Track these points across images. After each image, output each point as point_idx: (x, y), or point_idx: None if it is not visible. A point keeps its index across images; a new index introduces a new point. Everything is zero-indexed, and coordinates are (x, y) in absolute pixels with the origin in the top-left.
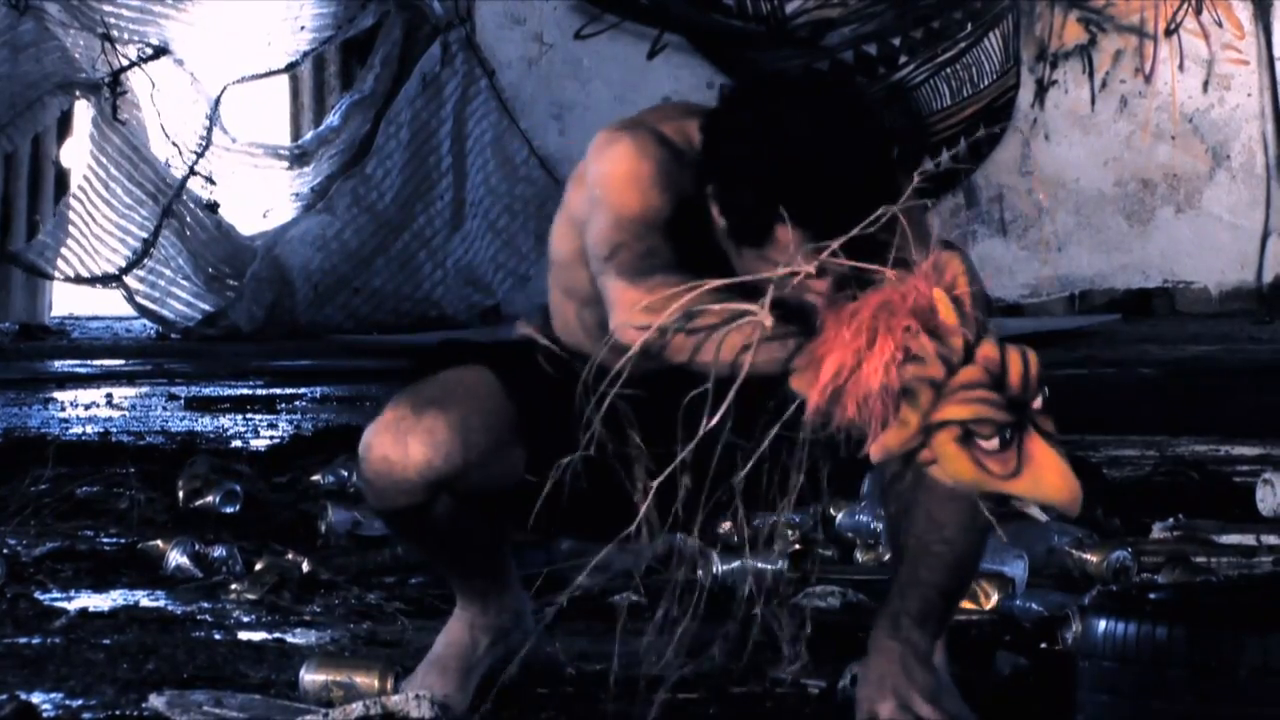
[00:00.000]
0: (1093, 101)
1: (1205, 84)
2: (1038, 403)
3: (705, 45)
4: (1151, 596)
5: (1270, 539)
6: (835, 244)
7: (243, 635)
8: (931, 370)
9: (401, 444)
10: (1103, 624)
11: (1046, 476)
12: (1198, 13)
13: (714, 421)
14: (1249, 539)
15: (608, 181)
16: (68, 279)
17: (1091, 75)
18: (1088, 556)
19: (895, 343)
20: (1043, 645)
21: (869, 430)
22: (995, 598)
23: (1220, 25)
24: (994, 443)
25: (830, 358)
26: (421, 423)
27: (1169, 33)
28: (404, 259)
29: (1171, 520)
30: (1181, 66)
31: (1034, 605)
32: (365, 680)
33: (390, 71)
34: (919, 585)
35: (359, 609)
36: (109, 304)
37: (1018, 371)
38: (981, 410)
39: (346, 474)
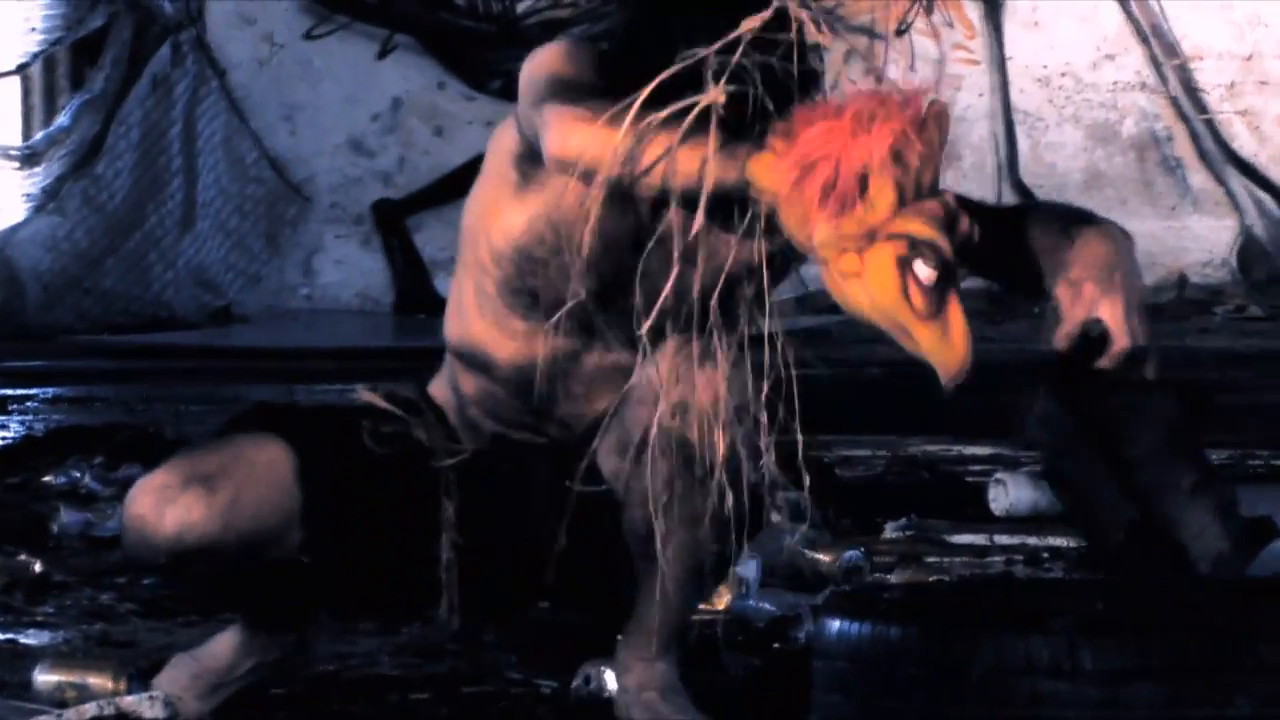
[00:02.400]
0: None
1: (937, 84)
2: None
3: (435, 45)
4: (884, 596)
5: (1002, 539)
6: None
7: None
8: (906, 180)
9: (159, 511)
10: (835, 624)
11: (953, 333)
12: (928, 13)
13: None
14: (981, 539)
15: (541, 60)
16: None
17: (823, 75)
18: (820, 556)
19: (892, 135)
20: (776, 645)
21: (817, 215)
22: (727, 598)
23: (951, 25)
24: (930, 275)
25: (808, 141)
26: (183, 498)
27: (899, 33)
28: (135, 259)
29: (904, 520)
30: (913, 67)
31: (767, 605)
32: (98, 681)
33: (120, 72)
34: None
35: (92, 610)
36: None
37: (965, 226)
38: (937, 237)
39: (78, 474)
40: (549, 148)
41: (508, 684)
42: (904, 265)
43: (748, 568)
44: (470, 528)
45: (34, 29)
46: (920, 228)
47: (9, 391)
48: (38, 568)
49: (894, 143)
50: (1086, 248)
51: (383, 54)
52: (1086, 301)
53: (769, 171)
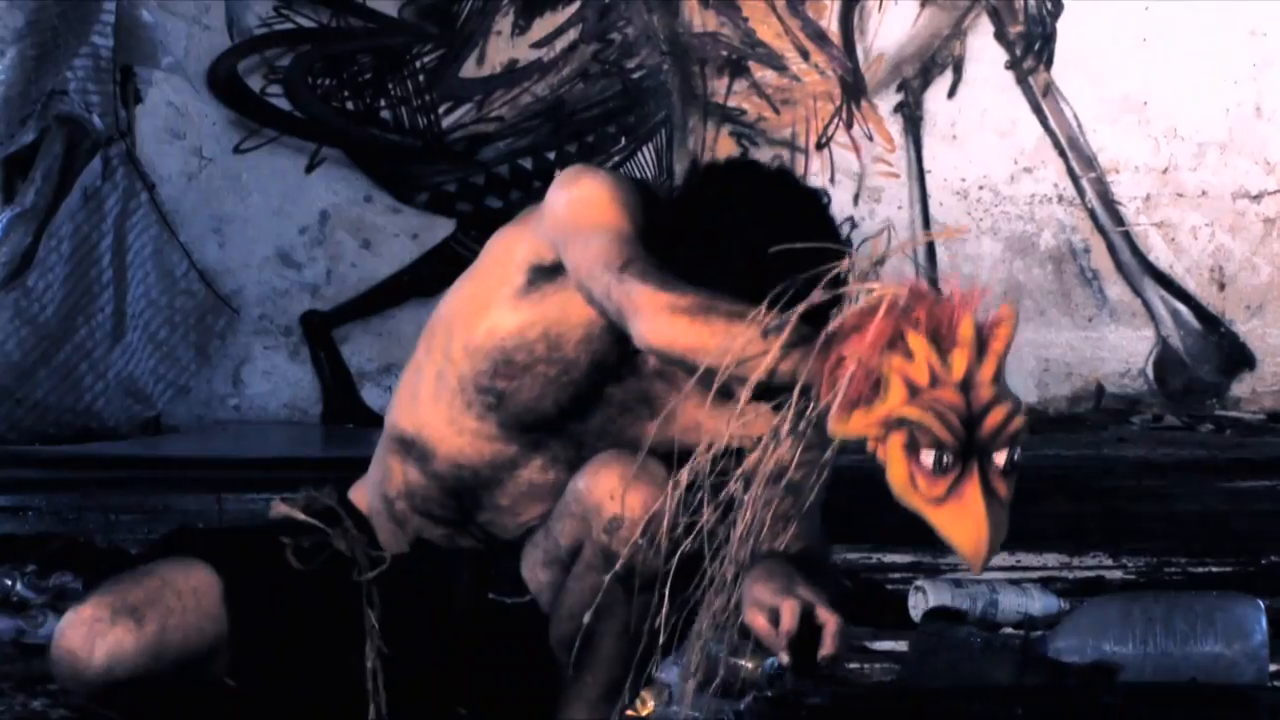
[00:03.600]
0: None
1: (856, 197)
2: (1000, 459)
3: (363, 159)
4: (806, 703)
5: None
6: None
7: None
8: (914, 372)
9: (89, 645)
10: None
11: (964, 521)
12: (849, 126)
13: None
14: (902, 646)
15: (591, 200)
16: None
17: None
18: (743, 662)
19: (893, 327)
20: None
21: (841, 404)
22: (652, 704)
23: (871, 139)
24: (927, 459)
25: (846, 339)
26: (113, 631)
27: (820, 146)
28: (66, 370)
29: None
30: (833, 179)
31: (691, 713)
32: None
33: (51, 186)
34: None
35: (24, 716)
36: None
37: (995, 420)
38: (933, 422)
39: (10, 582)
40: (643, 334)
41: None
42: (912, 449)
43: (672, 674)
44: (394, 634)
45: None
46: (915, 411)
47: None
48: None
49: (884, 337)
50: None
51: (310, 167)
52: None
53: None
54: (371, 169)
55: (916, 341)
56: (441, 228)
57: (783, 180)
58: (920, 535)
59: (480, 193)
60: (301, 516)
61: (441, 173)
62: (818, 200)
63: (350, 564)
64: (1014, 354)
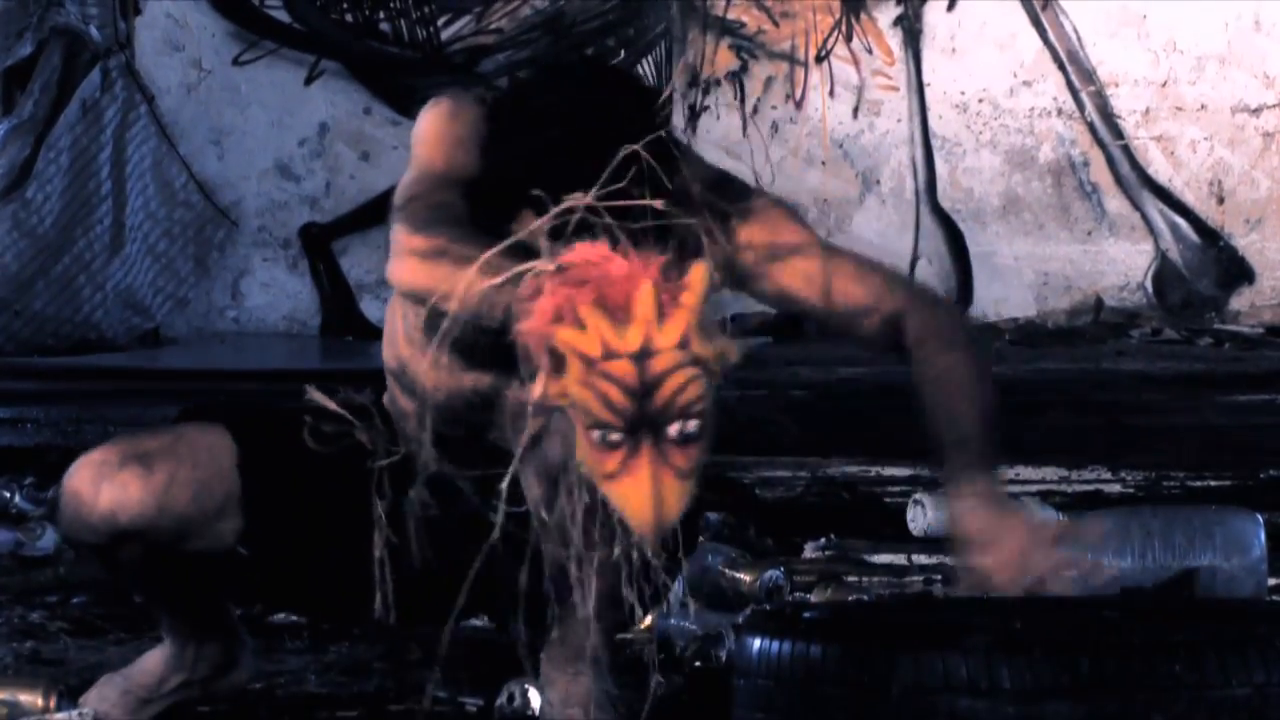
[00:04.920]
0: (744, 128)
1: (855, 110)
2: (674, 430)
3: (362, 71)
4: (805, 615)
5: (921, 558)
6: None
7: None
8: (586, 345)
9: (95, 487)
10: (757, 643)
11: (633, 497)
12: (848, 39)
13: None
14: (900, 558)
15: (419, 138)
16: None
17: (743, 101)
18: (741, 576)
19: (563, 301)
20: (697, 664)
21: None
22: (650, 617)
23: (870, 52)
24: (594, 436)
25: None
26: (120, 474)
27: (819, 59)
28: (64, 282)
29: (823, 540)
30: (832, 93)
31: (688, 624)
32: (29, 698)
33: (50, 97)
34: (962, 441)
35: (22, 628)
36: None
37: (667, 391)
38: (590, 400)
39: (9, 494)
40: (389, 274)
41: (433, 702)
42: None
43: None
44: (400, 532)
45: None
46: (578, 391)
47: None
48: None
49: (554, 309)
50: (1007, 540)
51: (309, 80)
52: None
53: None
54: (371, 81)
55: (587, 313)
56: None
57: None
58: (918, 449)
59: None
60: (332, 405)
61: (441, 85)
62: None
63: (365, 457)
64: (1013, 266)
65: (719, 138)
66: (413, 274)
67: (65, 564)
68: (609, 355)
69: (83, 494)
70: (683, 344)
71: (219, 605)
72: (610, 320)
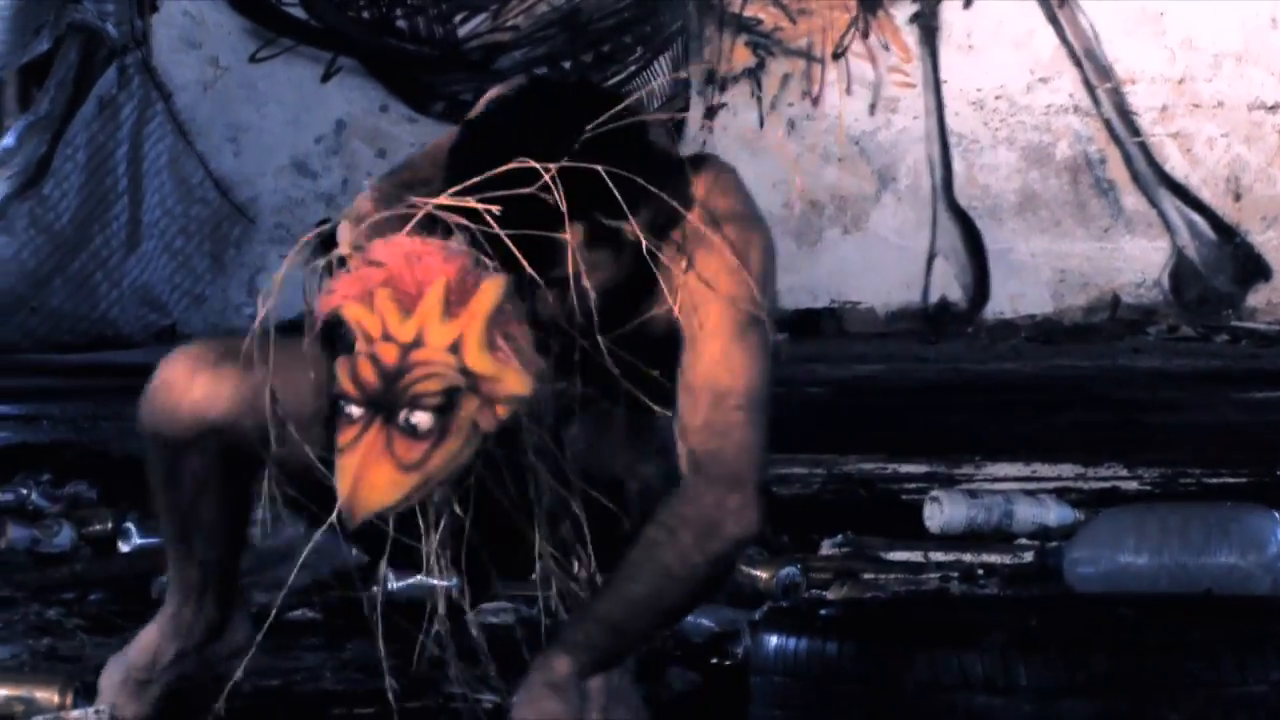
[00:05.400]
0: (761, 124)
1: (872, 107)
2: (402, 417)
3: (379, 69)
4: (821, 612)
5: (937, 555)
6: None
7: None
8: (368, 324)
9: (188, 378)
10: (773, 639)
11: (344, 474)
12: (865, 36)
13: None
14: (917, 555)
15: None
16: None
17: (760, 98)
18: (758, 572)
19: (367, 283)
20: (714, 661)
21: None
22: None
23: (887, 49)
24: (339, 406)
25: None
26: (217, 369)
27: (836, 56)
28: (81, 279)
29: (840, 537)
30: (849, 90)
31: (705, 621)
32: (45, 695)
33: (66, 94)
34: (584, 616)
35: (39, 625)
36: None
37: (408, 379)
38: (343, 374)
39: (25, 491)
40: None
41: (448, 699)
42: None
43: None
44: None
45: None
46: (342, 370)
47: None
48: None
49: (357, 287)
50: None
51: (326, 77)
52: None
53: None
54: (387, 78)
55: (380, 296)
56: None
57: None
58: (935, 446)
59: None
60: None
61: (457, 82)
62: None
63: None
64: (1030, 263)
65: (736, 134)
66: (342, 231)
67: (82, 561)
68: (386, 339)
69: (176, 384)
70: (453, 348)
71: (233, 567)
72: (398, 308)
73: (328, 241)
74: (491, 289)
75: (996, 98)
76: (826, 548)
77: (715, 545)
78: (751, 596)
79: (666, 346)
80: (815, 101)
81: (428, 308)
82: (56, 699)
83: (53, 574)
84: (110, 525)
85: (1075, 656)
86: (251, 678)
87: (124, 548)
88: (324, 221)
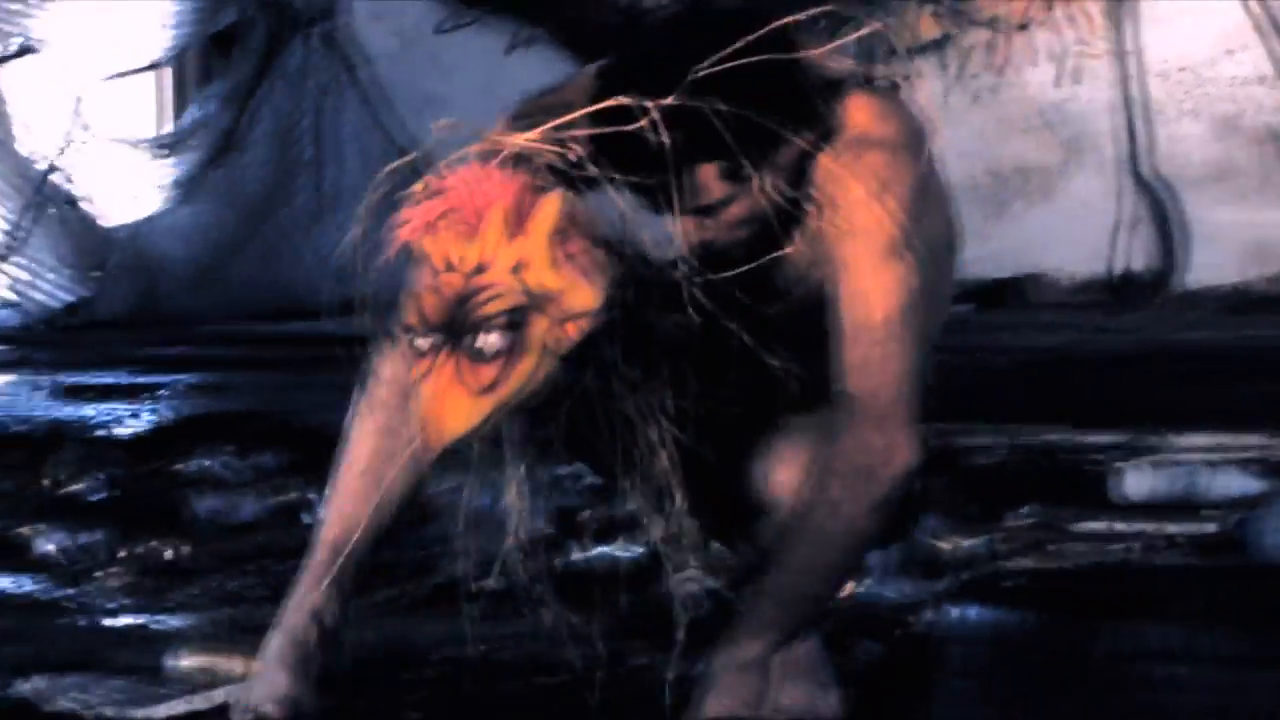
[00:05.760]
0: (946, 95)
1: (1058, 78)
2: (469, 341)
3: (566, 39)
4: (1007, 584)
5: (1122, 526)
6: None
7: (111, 621)
8: (435, 255)
9: None
10: (959, 611)
11: (425, 407)
12: (1051, 8)
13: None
14: (1102, 526)
15: None
16: None
17: (946, 70)
18: (944, 544)
19: (431, 214)
20: (900, 631)
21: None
22: (852, 585)
23: (1074, 20)
24: (405, 339)
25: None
26: None
27: (1023, 27)
28: (267, 249)
29: (1026, 508)
30: (1034, 61)
31: (892, 592)
32: (229, 666)
33: (253, 65)
34: (760, 593)
35: (223, 595)
36: None
37: (473, 304)
38: (409, 304)
39: (211, 462)
40: None
41: (639, 668)
42: None
43: (872, 555)
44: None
45: (170, 24)
46: (408, 299)
47: (143, 380)
48: (172, 553)
49: (425, 219)
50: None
51: (512, 48)
52: None
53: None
54: (574, 48)
55: (443, 226)
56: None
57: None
58: (1121, 416)
59: None
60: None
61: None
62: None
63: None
64: (1217, 234)
65: (922, 106)
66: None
67: (267, 531)
68: (449, 268)
69: None
70: (516, 269)
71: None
72: (459, 236)
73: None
74: (550, 206)
75: (1181, 69)
76: (1012, 519)
77: (871, 491)
78: (938, 568)
79: (800, 287)
80: (1001, 73)
81: (488, 231)
82: (241, 669)
83: (239, 544)
84: (296, 495)
85: (1262, 628)
86: (443, 646)
87: (309, 518)
88: (403, 152)
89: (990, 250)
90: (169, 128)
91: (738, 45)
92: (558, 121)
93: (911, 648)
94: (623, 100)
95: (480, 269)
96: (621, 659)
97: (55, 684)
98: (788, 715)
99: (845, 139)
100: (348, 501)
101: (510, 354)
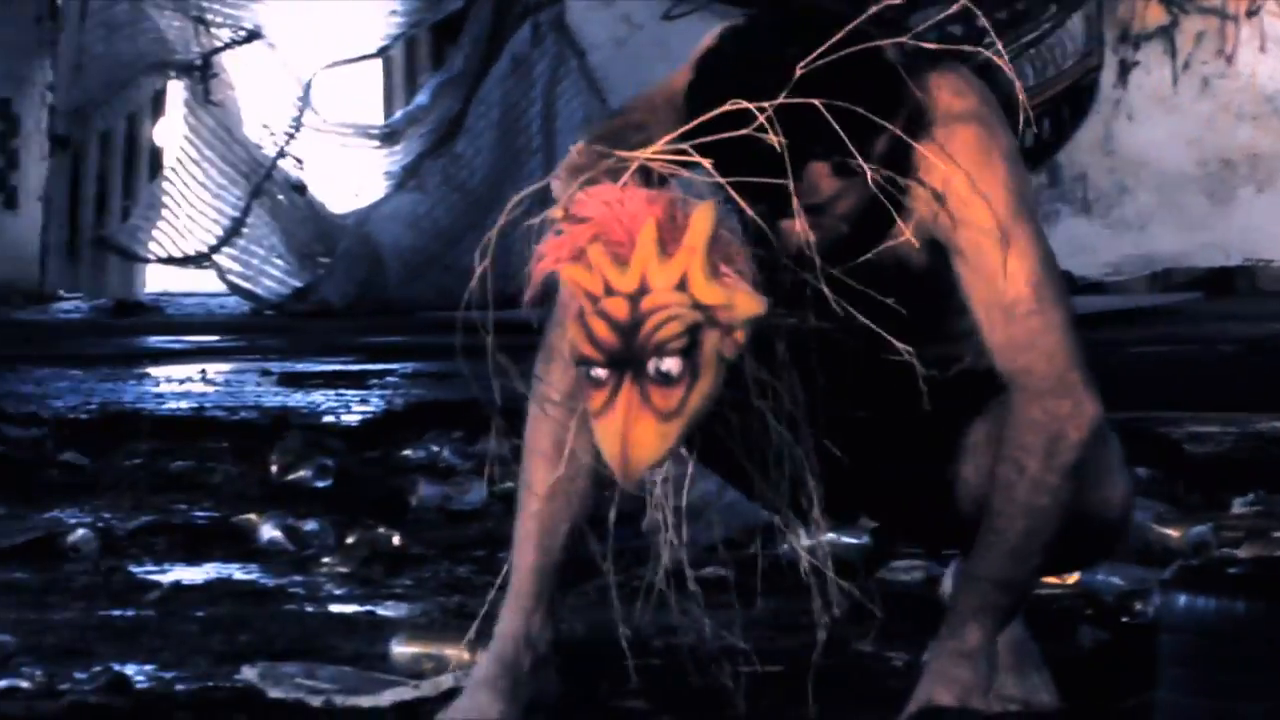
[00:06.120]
0: (1175, 82)
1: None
2: (652, 367)
3: None
4: (1231, 571)
5: None
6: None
7: (334, 608)
8: (589, 283)
9: None
10: (1183, 598)
11: (606, 434)
12: None
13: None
14: None
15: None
16: (160, 260)
17: (1174, 56)
18: (1168, 531)
19: (577, 241)
20: (1124, 619)
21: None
22: (1077, 573)
23: None
24: (580, 372)
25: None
26: None
27: (1250, 14)
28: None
29: (1251, 496)
30: (1263, 48)
31: (1115, 579)
32: (455, 653)
33: (480, 52)
34: (974, 580)
35: (449, 582)
36: (203, 281)
37: (648, 328)
38: (577, 336)
39: (437, 449)
40: None
41: (859, 657)
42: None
43: None
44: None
45: (395, 11)
46: (572, 327)
47: (370, 366)
48: (396, 540)
49: (568, 248)
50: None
51: (677, 15)
52: None
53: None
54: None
55: (594, 251)
56: None
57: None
58: None
59: None
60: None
61: (871, 39)
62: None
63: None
64: None
65: (1149, 92)
66: (556, 187)
67: (493, 518)
68: (609, 294)
69: None
70: (681, 285)
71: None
72: (613, 259)
73: (545, 199)
74: (703, 218)
75: None
76: (1238, 506)
77: (1064, 458)
78: (1162, 555)
79: (910, 274)
80: (1229, 60)
81: (643, 252)
82: (466, 657)
83: (464, 531)
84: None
85: None
86: (663, 635)
87: None
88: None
89: (1217, 238)
90: (398, 114)
91: (835, 39)
92: (676, 133)
93: (1136, 635)
94: (741, 103)
95: (643, 291)
96: (842, 647)
97: (278, 671)
98: (1008, 704)
99: (935, 119)
100: (537, 526)
101: (693, 373)
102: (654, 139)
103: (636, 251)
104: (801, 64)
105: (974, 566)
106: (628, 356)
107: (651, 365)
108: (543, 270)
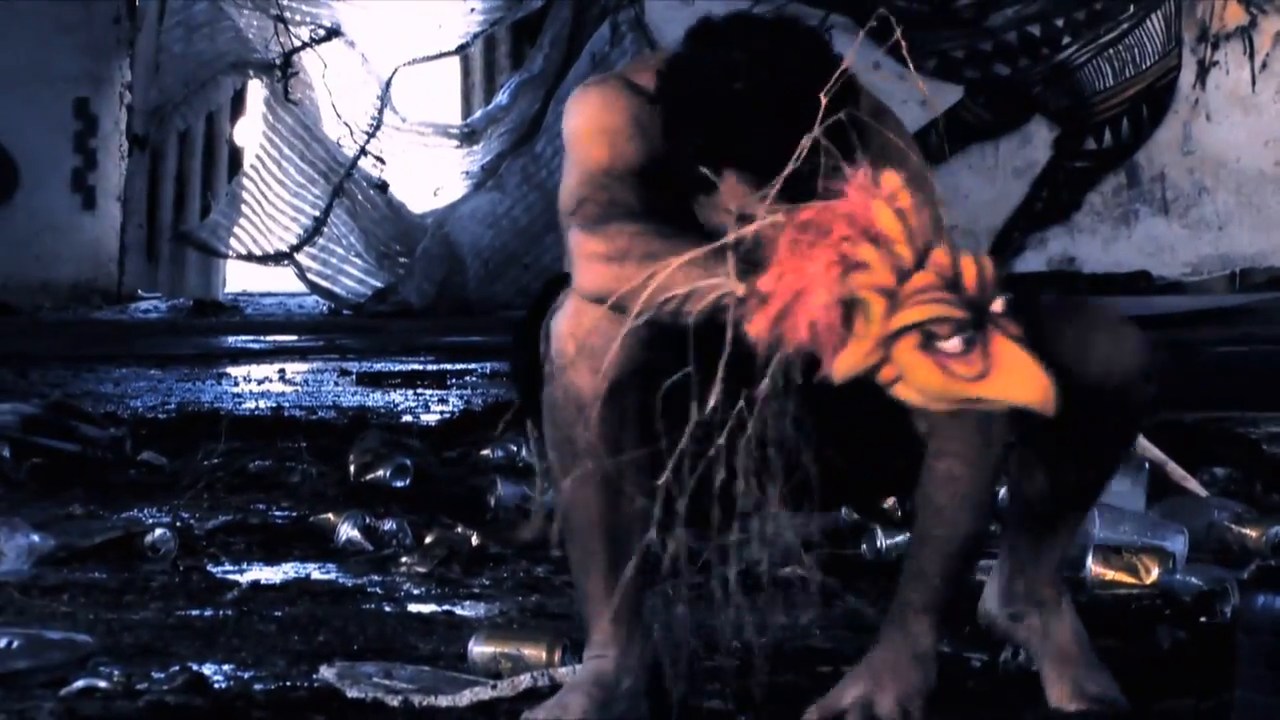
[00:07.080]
0: (1253, 83)
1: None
2: (998, 305)
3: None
4: None
5: None
6: (777, 181)
7: (412, 608)
8: (879, 277)
9: None
10: (1262, 598)
11: (1016, 376)
12: None
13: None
14: None
15: (574, 136)
16: (239, 257)
17: (1252, 57)
18: (1247, 531)
19: (833, 254)
20: (1202, 619)
21: (824, 353)
22: (1156, 572)
23: None
24: (955, 343)
25: (773, 285)
26: None
27: None
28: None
29: None
30: None
31: (1194, 580)
32: (533, 652)
33: (559, 51)
34: (920, 576)
35: (527, 582)
36: (282, 280)
37: (972, 274)
38: (938, 309)
39: (516, 448)
40: (577, 284)
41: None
42: (929, 346)
43: (1175, 542)
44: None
45: (474, 10)
46: (916, 313)
47: (449, 366)
48: (475, 540)
49: (841, 254)
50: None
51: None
52: None
53: (754, 328)
54: (879, 35)
55: (864, 250)
56: (950, 94)
57: (780, 28)
58: None
59: (988, 60)
60: None
61: (949, 39)
62: (819, 40)
63: None
64: None
65: (1228, 92)
66: (598, 279)
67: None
68: (903, 276)
69: None
70: (935, 234)
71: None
72: (879, 247)
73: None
74: (893, 179)
75: None
76: None
77: (998, 447)
78: (1240, 555)
79: None
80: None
81: (893, 226)
82: (545, 656)
83: (541, 530)
84: None
85: None
86: (741, 634)
87: None
88: None
89: None
90: (477, 113)
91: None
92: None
93: (1214, 635)
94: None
95: (923, 261)
96: None
97: (356, 670)
98: (1091, 704)
99: (866, 111)
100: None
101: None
102: (636, 208)
103: (889, 230)
104: (800, 68)
105: (919, 563)
106: (973, 308)
107: (999, 303)
108: (817, 302)
